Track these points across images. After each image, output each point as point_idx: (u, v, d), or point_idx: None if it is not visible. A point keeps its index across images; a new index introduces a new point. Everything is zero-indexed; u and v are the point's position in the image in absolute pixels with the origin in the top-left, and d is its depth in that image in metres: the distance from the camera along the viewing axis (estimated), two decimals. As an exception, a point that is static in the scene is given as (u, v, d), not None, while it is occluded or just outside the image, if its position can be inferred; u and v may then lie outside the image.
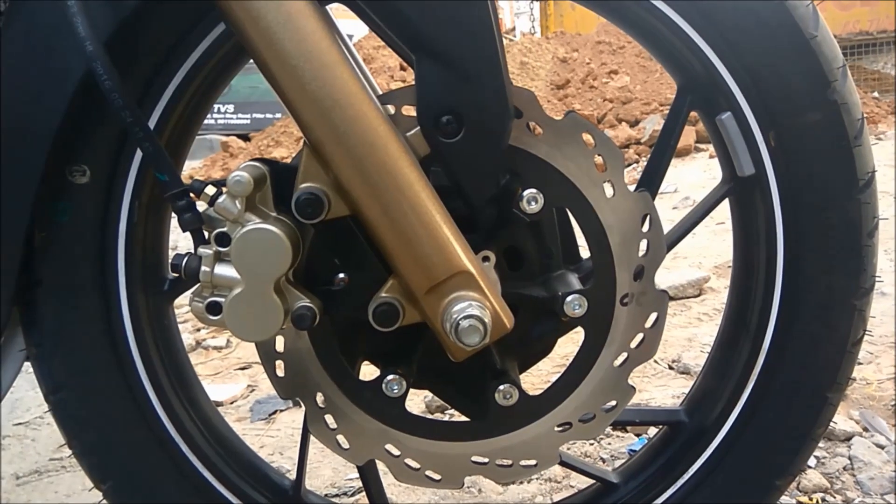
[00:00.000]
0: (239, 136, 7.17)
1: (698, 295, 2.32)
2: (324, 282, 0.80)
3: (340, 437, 0.87)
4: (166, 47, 0.81)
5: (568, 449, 1.50)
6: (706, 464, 0.93)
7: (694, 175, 4.32)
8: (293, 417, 1.86)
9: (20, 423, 2.00)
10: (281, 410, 1.90)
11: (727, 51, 0.82)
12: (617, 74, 6.13)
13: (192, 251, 0.74)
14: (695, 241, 2.90)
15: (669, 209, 3.63)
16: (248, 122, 8.21)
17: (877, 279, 2.32)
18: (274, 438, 1.76)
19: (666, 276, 2.39)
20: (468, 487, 1.41)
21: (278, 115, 7.45)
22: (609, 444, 1.51)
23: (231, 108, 8.27)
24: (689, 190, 3.97)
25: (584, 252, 0.88)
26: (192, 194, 0.74)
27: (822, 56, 0.82)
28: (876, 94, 7.08)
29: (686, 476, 0.94)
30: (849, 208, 0.85)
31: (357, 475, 1.51)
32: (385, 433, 0.87)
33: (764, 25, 0.81)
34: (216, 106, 8.19)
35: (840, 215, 0.85)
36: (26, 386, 2.25)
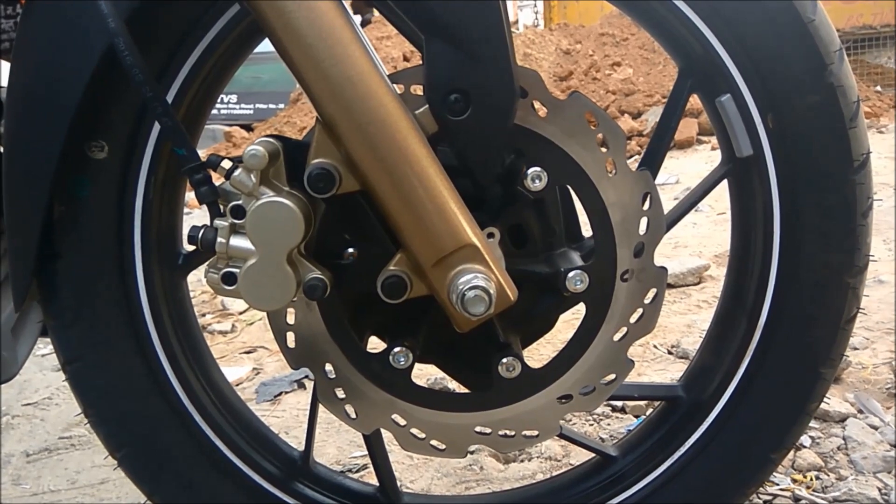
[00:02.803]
0: (242, 126, 7.18)
1: (698, 283, 2.34)
2: (334, 255, 0.83)
3: (348, 407, 0.90)
4: (183, 27, 0.84)
5: (571, 424, 1.53)
6: (702, 437, 0.96)
7: (696, 167, 4.33)
8: (298, 399, 1.89)
9: (29, 404, 2.04)
10: (286, 392, 1.93)
11: (727, 34, 0.84)
12: (620, 66, 6.13)
13: (209, 224, 0.77)
14: (696, 231, 2.93)
15: (671, 200, 3.64)
16: (252, 112, 8.21)
17: (875, 267, 2.33)
18: (279, 419, 1.79)
19: (667, 265, 2.40)
20: (470, 465, 1.44)
21: (281, 106, 7.46)
22: (608, 424, 1.54)
23: (234, 98, 8.27)
24: (690, 181, 3.99)
25: (587, 231, 0.91)
26: (208, 168, 0.76)
27: (820, 39, 0.84)
28: (878, 87, 7.07)
29: (683, 449, 0.97)
30: (844, 189, 0.87)
31: (361, 453, 1.54)
32: (392, 403, 0.90)
33: (763, 9, 0.83)
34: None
35: (835, 195, 0.87)
36: (34, 368, 2.29)
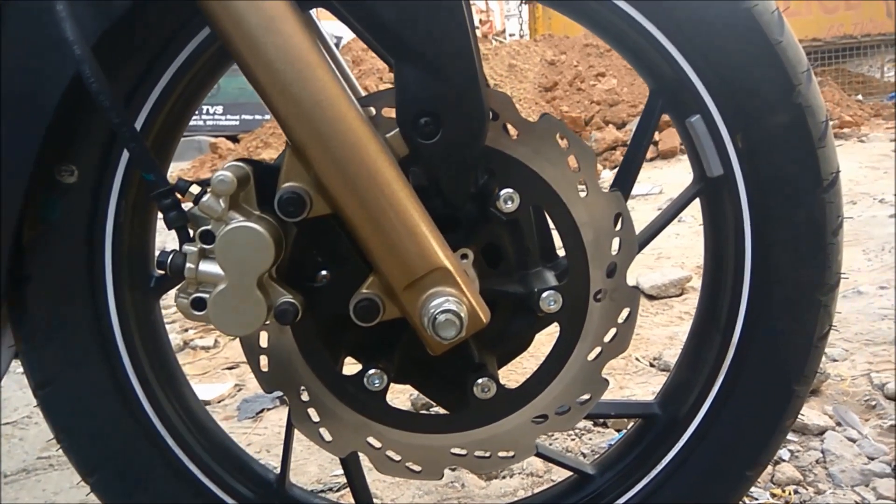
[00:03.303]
0: (228, 138, 7.17)
1: (680, 294, 2.35)
2: (306, 278, 0.83)
3: (323, 430, 0.90)
4: (153, 50, 0.83)
5: (549, 444, 1.53)
6: (679, 455, 0.96)
7: (679, 177, 4.37)
8: (280, 416, 1.88)
9: (8, 423, 2.01)
10: (268, 409, 1.92)
11: (696, 56, 0.85)
12: (604, 77, 6.18)
13: (178, 249, 0.77)
14: (678, 242, 2.94)
15: (654, 210, 3.67)
16: (237, 123, 8.20)
17: (855, 278, 2.34)
18: (261, 436, 1.78)
19: (648, 276, 2.43)
20: (451, 482, 1.43)
21: (267, 117, 7.45)
22: (590, 439, 1.54)
23: (220, 109, 8.25)
24: (674, 191, 4.02)
25: (561, 251, 0.91)
26: (177, 193, 0.76)
27: (787, 61, 0.85)
28: (860, 96, 7.17)
29: (659, 467, 0.97)
30: (813, 207, 0.88)
31: (342, 472, 1.53)
32: (367, 426, 0.90)
33: (731, 31, 0.84)
34: (204, 107, 8.17)
35: (805, 214, 0.88)
36: (14, 386, 2.26)
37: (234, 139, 7.16)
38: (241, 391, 2.06)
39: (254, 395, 2.00)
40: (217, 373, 2.21)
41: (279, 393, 2.00)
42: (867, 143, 4.99)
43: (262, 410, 1.91)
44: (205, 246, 0.75)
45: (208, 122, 8.23)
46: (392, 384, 0.87)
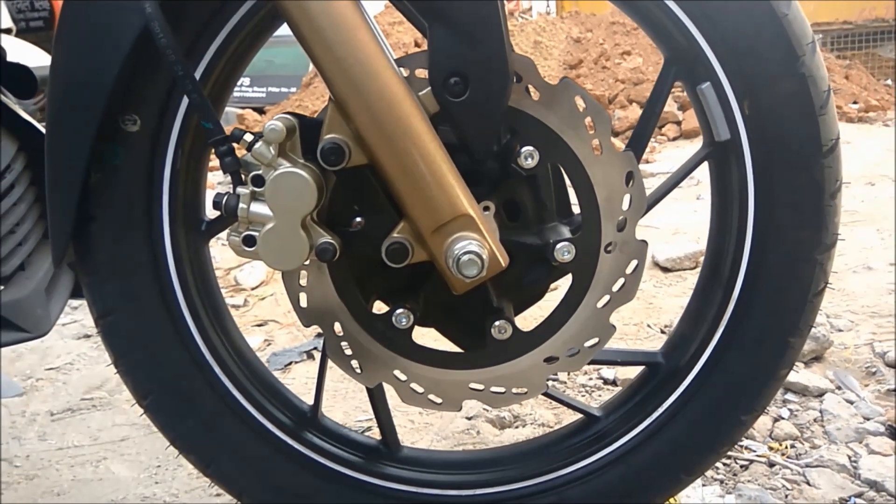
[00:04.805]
0: (254, 109, 7.26)
1: (694, 267, 2.41)
2: (344, 223, 0.91)
3: (354, 363, 0.99)
4: (210, 12, 0.92)
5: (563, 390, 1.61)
6: (679, 399, 1.04)
7: (701, 156, 4.38)
8: (307, 368, 1.99)
9: (52, 368, 2.15)
10: (295, 362, 2.03)
11: (708, 27, 0.92)
12: (630, 56, 6.17)
13: (231, 191, 0.86)
14: (695, 219, 2.99)
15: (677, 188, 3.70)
16: (264, 95, 8.29)
17: (866, 255, 2.38)
18: (289, 386, 1.88)
19: (665, 249, 2.49)
20: (467, 430, 1.53)
21: (293, 90, 7.53)
22: (600, 396, 1.63)
23: (247, 81, 8.34)
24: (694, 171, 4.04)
25: (577, 209, 0.98)
26: (232, 141, 0.85)
27: (793, 33, 0.91)
28: (889, 81, 7.07)
29: (661, 410, 1.05)
30: (814, 171, 0.94)
31: (366, 417, 1.64)
32: (394, 360, 0.99)
33: (741, 5, 0.90)
34: (233, 79, 8.23)
35: (806, 177, 0.95)
36: (55, 336, 2.40)
37: (261, 111, 7.25)
38: (269, 346, 2.17)
39: (282, 350, 2.11)
40: (247, 329, 2.32)
41: (307, 346, 2.10)
42: (892, 127, 4.96)
43: (289, 363, 2.02)
44: (256, 189, 0.84)
45: (236, 94, 8.30)
46: (416, 327, 0.96)
